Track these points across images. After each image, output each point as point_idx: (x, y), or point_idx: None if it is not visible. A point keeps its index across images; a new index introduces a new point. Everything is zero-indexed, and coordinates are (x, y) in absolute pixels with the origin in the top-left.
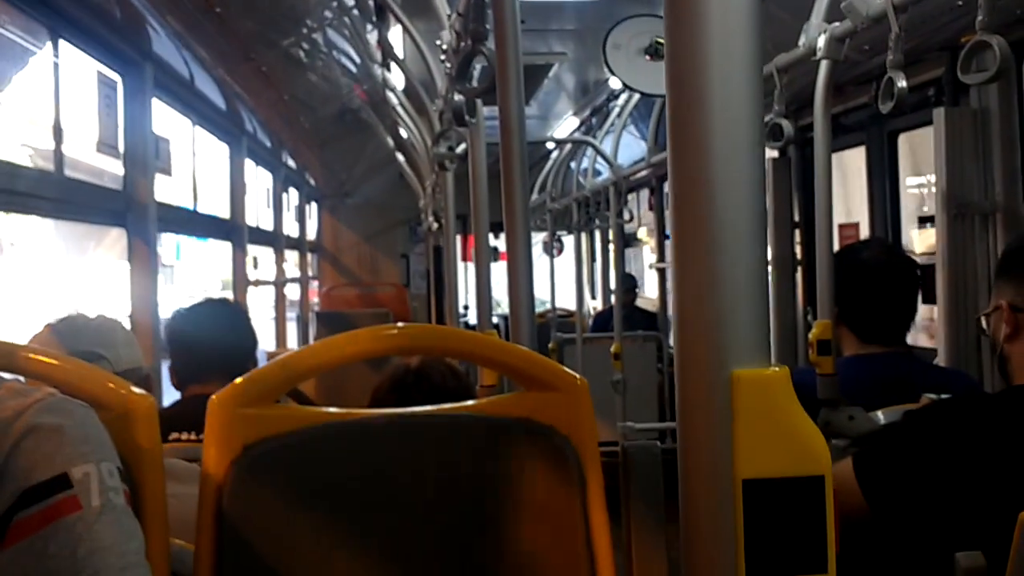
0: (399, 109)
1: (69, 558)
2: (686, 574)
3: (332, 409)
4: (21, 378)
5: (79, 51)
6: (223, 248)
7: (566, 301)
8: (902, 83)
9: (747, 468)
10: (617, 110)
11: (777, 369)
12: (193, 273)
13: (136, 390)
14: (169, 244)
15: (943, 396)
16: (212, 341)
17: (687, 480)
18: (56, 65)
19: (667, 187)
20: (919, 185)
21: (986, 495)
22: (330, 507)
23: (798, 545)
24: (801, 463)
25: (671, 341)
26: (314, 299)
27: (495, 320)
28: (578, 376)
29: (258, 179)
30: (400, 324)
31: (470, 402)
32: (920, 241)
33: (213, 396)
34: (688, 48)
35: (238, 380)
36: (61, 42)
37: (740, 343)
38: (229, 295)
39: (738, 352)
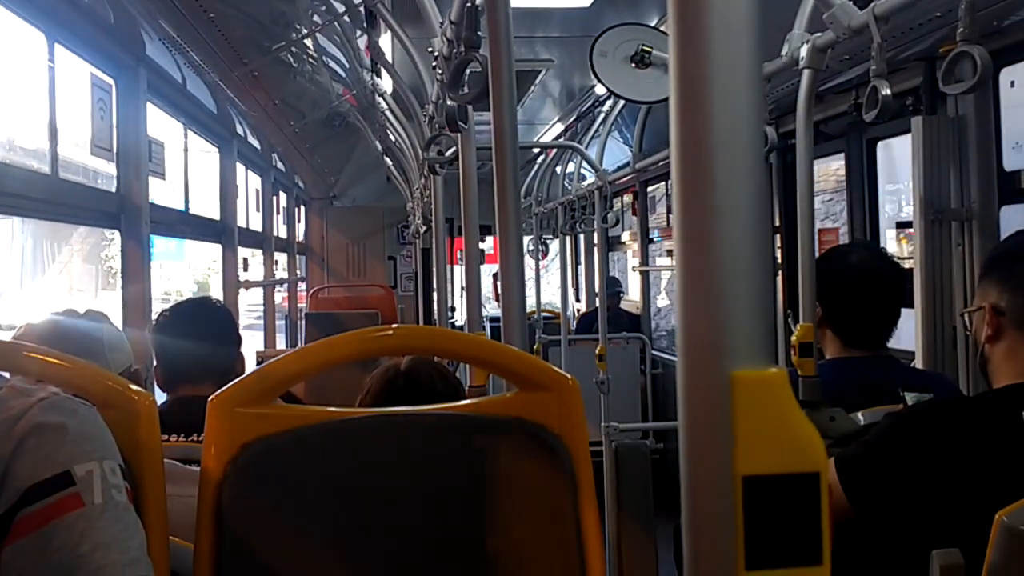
0: (388, 114)
1: (71, 554)
2: (689, 563)
3: (329, 408)
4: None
5: (74, 55)
6: (198, 248)
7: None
8: (886, 91)
9: (747, 465)
10: (603, 116)
11: (775, 370)
12: (167, 274)
13: (136, 388)
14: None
15: (916, 395)
16: (196, 343)
17: (690, 476)
18: (51, 68)
19: (650, 190)
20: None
21: (966, 496)
22: (327, 504)
23: (795, 538)
24: (798, 460)
25: (653, 342)
26: (302, 304)
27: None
28: (570, 376)
29: (248, 182)
30: (395, 326)
31: (464, 402)
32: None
33: (212, 396)
34: (693, 55)
35: (237, 380)
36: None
37: (740, 345)
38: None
39: (738, 353)
